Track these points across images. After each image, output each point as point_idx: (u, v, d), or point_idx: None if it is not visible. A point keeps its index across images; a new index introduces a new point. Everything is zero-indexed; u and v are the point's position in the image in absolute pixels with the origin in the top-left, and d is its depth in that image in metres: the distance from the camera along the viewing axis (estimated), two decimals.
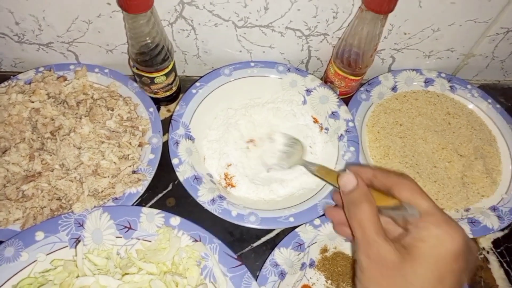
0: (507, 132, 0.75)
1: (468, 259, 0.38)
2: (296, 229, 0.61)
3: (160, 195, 0.66)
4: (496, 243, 0.67)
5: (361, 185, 0.44)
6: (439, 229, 0.38)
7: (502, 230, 0.68)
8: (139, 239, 0.57)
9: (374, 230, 0.40)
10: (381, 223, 0.41)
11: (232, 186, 0.65)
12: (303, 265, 0.60)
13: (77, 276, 0.50)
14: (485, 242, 0.67)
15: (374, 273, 0.40)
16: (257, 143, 0.70)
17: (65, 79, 0.69)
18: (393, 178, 0.44)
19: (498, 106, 0.78)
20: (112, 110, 0.66)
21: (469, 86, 0.80)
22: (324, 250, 0.62)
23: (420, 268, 0.38)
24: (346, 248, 0.62)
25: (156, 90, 0.69)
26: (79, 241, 0.54)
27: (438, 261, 0.37)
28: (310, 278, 0.60)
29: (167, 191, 0.66)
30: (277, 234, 0.64)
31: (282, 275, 0.57)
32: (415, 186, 0.42)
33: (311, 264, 0.61)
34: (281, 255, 0.58)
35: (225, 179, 0.66)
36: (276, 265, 0.58)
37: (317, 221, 0.61)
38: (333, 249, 0.62)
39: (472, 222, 0.64)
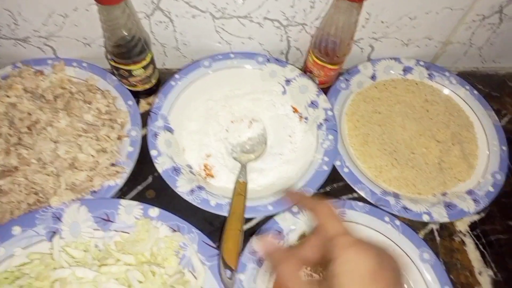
0: (484, 118, 0.76)
1: (386, 275, 0.37)
2: (275, 217, 0.61)
3: (139, 188, 0.66)
4: (472, 226, 0.68)
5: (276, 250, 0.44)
6: (349, 252, 0.38)
7: (478, 213, 0.69)
8: (117, 231, 0.57)
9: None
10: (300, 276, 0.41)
11: (212, 176, 0.66)
12: None
13: (54, 269, 0.50)
14: (462, 226, 0.68)
15: None
16: (236, 123, 0.71)
17: (42, 74, 0.68)
18: (312, 203, 0.45)
19: (475, 92, 0.79)
20: (90, 103, 0.65)
21: (447, 74, 0.81)
22: (303, 236, 0.62)
23: None
24: None
25: (134, 83, 0.69)
26: (55, 235, 0.54)
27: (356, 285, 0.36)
28: None
29: (147, 184, 0.66)
30: (257, 223, 0.65)
31: (261, 262, 0.58)
32: (329, 210, 0.43)
33: None
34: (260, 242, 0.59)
35: (204, 170, 0.66)
36: (255, 253, 0.58)
37: (295, 209, 0.62)
38: None
39: (449, 206, 0.65)
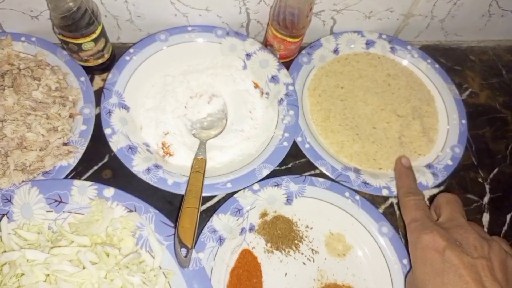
0: (445, 91, 0.76)
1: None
2: (235, 195, 0.60)
3: (95, 168, 0.64)
4: (431, 199, 0.69)
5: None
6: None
7: (438, 186, 0.70)
8: (71, 212, 0.55)
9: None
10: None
11: (170, 154, 0.64)
12: (242, 230, 0.60)
13: (4, 252, 0.49)
14: None
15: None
16: (195, 98, 0.69)
17: None
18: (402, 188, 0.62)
19: (437, 66, 0.79)
20: (39, 80, 0.62)
21: (409, 47, 0.80)
22: (264, 214, 0.62)
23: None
24: (286, 211, 0.63)
25: (86, 58, 0.65)
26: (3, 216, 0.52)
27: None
28: (250, 242, 0.60)
29: (103, 163, 0.64)
30: (218, 201, 0.64)
31: (220, 240, 0.57)
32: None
33: (251, 229, 0.61)
34: (220, 221, 0.58)
35: (162, 148, 0.65)
36: (215, 231, 0.57)
37: (256, 186, 0.61)
38: (273, 212, 0.62)
39: None
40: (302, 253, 0.60)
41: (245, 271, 0.58)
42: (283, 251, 0.60)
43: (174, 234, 0.53)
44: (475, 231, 0.52)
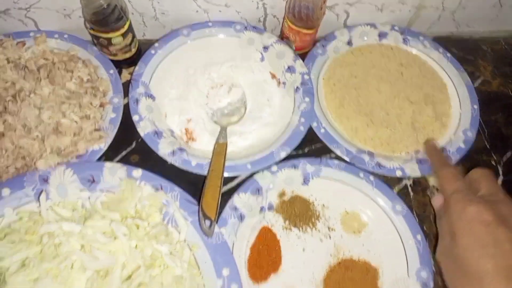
0: (457, 79, 0.79)
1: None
2: (254, 176, 0.64)
3: (124, 153, 0.68)
4: None
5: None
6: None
7: None
8: (102, 191, 0.60)
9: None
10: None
11: (193, 140, 0.68)
12: (262, 208, 0.63)
13: (42, 224, 0.53)
14: (435, 181, 0.71)
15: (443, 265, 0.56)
16: (216, 88, 0.73)
17: (24, 44, 0.70)
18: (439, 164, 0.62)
19: (448, 55, 0.82)
20: (72, 72, 0.67)
21: (421, 38, 0.83)
22: (282, 194, 0.65)
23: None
24: (303, 192, 0.66)
25: (114, 52, 0.70)
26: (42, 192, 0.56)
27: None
28: (269, 220, 0.63)
29: (131, 149, 0.69)
30: (238, 184, 0.67)
31: (241, 217, 0.61)
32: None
33: (270, 208, 0.64)
34: (240, 199, 0.62)
35: (186, 134, 0.69)
36: (236, 208, 0.61)
37: (274, 168, 0.65)
38: (291, 193, 0.65)
39: (420, 161, 0.68)
40: (319, 231, 0.63)
41: (264, 246, 0.61)
42: (300, 229, 0.63)
43: (198, 208, 0.57)
44: None
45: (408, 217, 0.63)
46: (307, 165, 0.66)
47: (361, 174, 0.66)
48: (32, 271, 0.49)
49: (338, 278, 0.60)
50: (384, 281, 0.61)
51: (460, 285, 0.51)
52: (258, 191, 0.63)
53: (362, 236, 0.64)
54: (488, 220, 0.50)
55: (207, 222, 0.54)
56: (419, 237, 0.62)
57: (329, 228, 0.64)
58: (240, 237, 0.60)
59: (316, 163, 0.66)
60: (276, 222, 0.63)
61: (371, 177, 0.66)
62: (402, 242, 0.62)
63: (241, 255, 0.60)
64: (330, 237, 0.63)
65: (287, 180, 0.65)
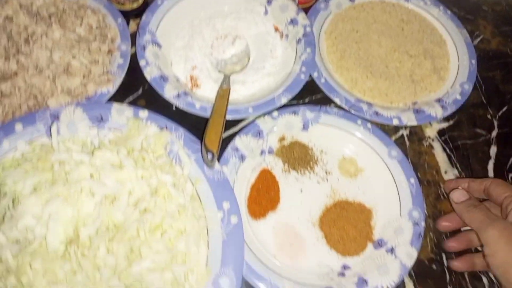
0: (456, 35, 0.81)
1: None
2: (256, 120, 0.66)
3: (131, 98, 0.71)
4: (441, 132, 0.73)
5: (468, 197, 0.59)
6: None
7: (447, 121, 0.74)
8: (111, 129, 0.63)
9: (490, 217, 0.54)
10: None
11: (198, 86, 0.71)
12: (262, 151, 0.66)
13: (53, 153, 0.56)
14: (431, 132, 0.73)
15: (504, 246, 0.50)
16: (220, 39, 0.75)
17: None
18: (487, 181, 0.60)
19: (449, 12, 0.83)
20: (82, 19, 0.70)
21: None
22: (282, 138, 0.68)
23: None
24: (302, 137, 0.68)
25: (122, 1, 0.73)
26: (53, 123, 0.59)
27: None
28: (269, 163, 0.66)
29: (138, 95, 0.71)
30: (240, 129, 0.70)
31: (242, 158, 0.64)
32: (504, 182, 0.59)
33: (270, 151, 0.67)
34: (242, 141, 0.64)
35: (190, 81, 0.71)
36: (237, 149, 0.64)
37: (275, 113, 0.67)
38: (290, 138, 0.68)
39: (417, 111, 0.71)
40: (317, 174, 0.66)
41: (264, 186, 0.64)
42: (299, 171, 0.66)
43: (201, 142, 0.59)
44: None
45: (403, 162, 0.66)
46: (307, 112, 0.68)
47: (359, 121, 0.68)
48: (43, 193, 0.52)
49: (333, 217, 0.62)
50: (377, 220, 0.64)
51: None
52: (259, 134, 0.66)
53: (358, 179, 0.67)
54: None
55: (209, 155, 0.57)
56: (412, 180, 0.64)
57: (326, 172, 0.67)
58: (240, 176, 0.63)
59: (316, 110, 0.68)
60: (275, 165, 0.66)
61: (369, 125, 0.68)
62: (396, 185, 0.65)
63: (241, 193, 0.63)
64: (327, 180, 0.66)
65: (287, 125, 0.67)
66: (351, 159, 0.68)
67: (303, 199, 0.64)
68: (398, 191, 0.64)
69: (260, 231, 0.61)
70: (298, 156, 0.67)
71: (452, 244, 0.61)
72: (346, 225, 0.62)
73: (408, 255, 0.58)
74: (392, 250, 0.59)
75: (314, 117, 0.68)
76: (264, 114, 0.67)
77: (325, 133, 0.68)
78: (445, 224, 0.63)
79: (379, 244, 0.61)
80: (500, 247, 0.50)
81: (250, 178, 0.64)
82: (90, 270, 0.51)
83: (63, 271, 0.51)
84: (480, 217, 0.55)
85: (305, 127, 0.68)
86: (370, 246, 0.61)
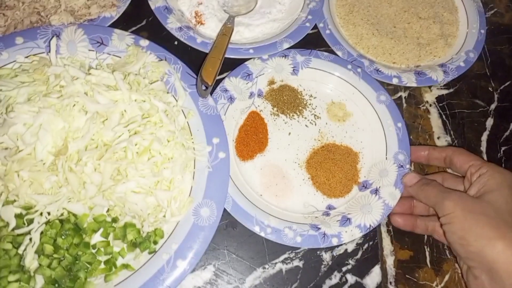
0: (469, 3, 0.79)
1: None
2: (245, 62, 0.66)
3: (133, 28, 0.71)
4: (439, 98, 0.73)
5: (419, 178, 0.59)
6: (497, 170, 0.53)
7: (448, 88, 0.74)
8: (109, 54, 0.62)
9: (444, 190, 0.54)
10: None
11: (202, 23, 0.70)
12: (251, 94, 0.66)
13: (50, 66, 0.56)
14: (430, 97, 0.73)
15: (461, 214, 0.51)
16: None
17: None
18: (449, 150, 0.60)
19: None
20: None
21: None
22: (272, 82, 0.67)
23: (500, 196, 0.51)
24: (292, 81, 0.68)
25: None
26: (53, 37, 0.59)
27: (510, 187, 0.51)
28: (258, 105, 0.66)
29: (141, 25, 0.71)
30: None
31: (231, 99, 0.64)
32: (466, 151, 0.58)
33: (259, 94, 0.67)
34: (231, 82, 0.64)
35: (195, 17, 0.71)
36: (226, 90, 0.63)
37: (265, 56, 0.67)
38: (280, 81, 0.68)
39: (419, 73, 0.70)
40: (305, 118, 0.67)
41: (252, 127, 0.64)
42: (288, 115, 0.66)
43: (197, 74, 0.60)
44: None
45: (391, 106, 0.66)
46: (297, 55, 0.68)
47: (349, 66, 0.68)
48: (37, 104, 0.52)
49: (320, 159, 0.63)
50: (364, 164, 0.65)
51: None
52: (248, 76, 0.65)
53: (346, 124, 0.67)
54: None
55: (203, 86, 0.57)
56: (399, 124, 0.65)
57: (315, 116, 0.67)
58: (229, 117, 0.63)
59: (306, 53, 0.68)
60: (264, 108, 0.66)
61: (358, 69, 0.68)
62: (384, 129, 0.65)
63: (230, 134, 0.63)
64: (315, 124, 0.67)
65: (277, 68, 0.67)
66: (340, 103, 0.68)
67: (290, 141, 0.65)
68: (385, 135, 0.65)
69: (247, 171, 0.62)
70: (287, 100, 0.67)
71: (398, 219, 0.60)
72: (332, 168, 0.63)
73: (392, 195, 0.60)
74: (376, 191, 0.61)
75: (305, 60, 0.68)
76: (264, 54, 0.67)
77: (315, 77, 0.68)
78: (398, 220, 0.60)
79: (364, 186, 0.63)
80: (456, 215, 0.51)
81: (239, 120, 0.65)
82: (75, 185, 0.52)
83: (49, 183, 0.52)
84: (434, 192, 0.55)
85: (295, 71, 0.68)
86: (355, 188, 0.63)
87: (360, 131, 0.66)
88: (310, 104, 0.67)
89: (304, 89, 0.68)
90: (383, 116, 0.65)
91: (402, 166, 0.61)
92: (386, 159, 0.63)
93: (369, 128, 0.66)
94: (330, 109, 0.68)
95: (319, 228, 0.57)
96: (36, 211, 0.51)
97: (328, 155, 0.63)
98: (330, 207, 0.61)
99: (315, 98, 0.68)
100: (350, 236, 0.57)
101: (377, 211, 0.58)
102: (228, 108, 0.63)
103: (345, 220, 0.58)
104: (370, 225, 0.57)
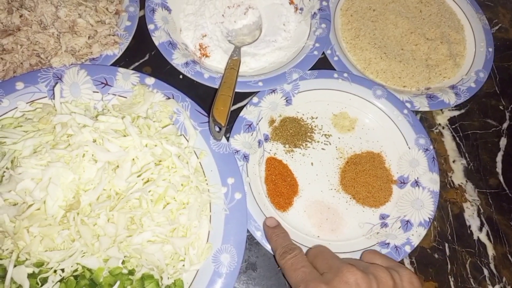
0: (475, 21, 0.78)
1: None
2: (241, 113, 0.63)
3: (137, 64, 0.68)
4: (452, 120, 0.72)
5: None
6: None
7: (459, 109, 0.72)
8: (115, 94, 0.60)
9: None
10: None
11: (207, 56, 0.68)
12: (259, 142, 0.64)
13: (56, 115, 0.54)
14: (442, 119, 0.72)
15: None
16: (232, 8, 0.72)
17: None
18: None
19: None
20: None
21: None
22: (272, 121, 0.66)
23: None
24: (289, 112, 0.67)
25: None
26: (57, 83, 0.57)
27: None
28: (270, 150, 0.64)
29: (144, 60, 0.69)
30: (244, 105, 0.68)
31: (245, 158, 0.61)
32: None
33: (266, 139, 0.65)
34: (237, 141, 0.61)
35: (199, 49, 0.69)
36: (237, 151, 0.61)
37: (255, 99, 0.64)
38: (279, 117, 0.66)
39: (430, 97, 0.69)
40: (318, 141, 0.65)
41: (277, 175, 0.62)
42: (301, 146, 0.65)
43: (209, 115, 0.57)
44: (354, 268, 0.48)
45: (390, 97, 0.66)
46: (284, 86, 0.66)
47: (335, 75, 0.67)
48: (44, 156, 0.50)
49: (351, 175, 0.63)
50: (391, 160, 0.65)
51: None
52: (249, 127, 0.63)
53: (356, 131, 0.67)
54: None
55: (217, 128, 0.55)
56: (405, 111, 0.65)
57: (325, 136, 0.66)
58: (252, 176, 0.61)
59: (291, 80, 0.66)
60: (277, 150, 0.64)
61: (345, 74, 0.67)
62: (393, 121, 0.66)
63: (260, 192, 0.61)
64: (330, 143, 0.66)
65: (271, 106, 0.65)
66: (342, 113, 0.68)
67: (317, 171, 0.64)
68: (397, 126, 0.65)
69: (294, 219, 0.60)
70: (293, 132, 0.65)
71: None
72: (366, 178, 0.63)
73: (432, 181, 0.61)
74: (416, 183, 0.62)
75: (293, 87, 0.66)
76: (245, 104, 0.64)
77: (308, 99, 0.67)
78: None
79: (401, 182, 0.63)
80: None
81: (261, 174, 0.62)
82: (89, 238, 0.49)
83: (61, 238, 0.49)
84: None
85: (288, 101, 0.66)
86: (395, 188, 0.63)
87: (372, 131, 0.67)
88: (315, 126, 0.66)
89: (303, 114, 0.67)
90: (386, 109, 0.66)
91: (427, 149, 0.63)
92: (409, 148, 0.64)
93: (379, 125, 0.67)
94: (335, 122, 0.67)
95: (388, 244, 0.57)
96: (50, 268, 0.48)
97: (357, 168, 0.63)
98: (383, 217, 0.61)
99: (317, 118, 0.67)
100: (418, 237, 0.58)
101: (428, 202, 0.60)
102: (247, 168, 0.61)
103: (406, 224, 0.59)
104: (429, 218, 0.59)
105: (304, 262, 0.51)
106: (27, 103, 0.57)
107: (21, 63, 0.60)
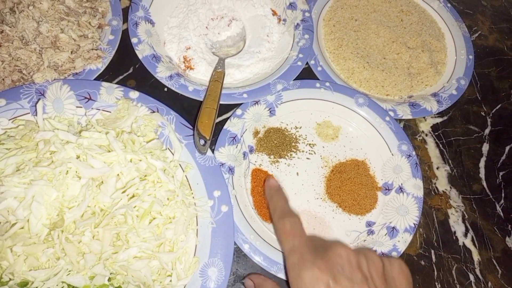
0: (455, 29, 0.80)
1: None
2: (225, 126, 0.63)
3: (120, 77, 0.68)
4: (434, 127, 0.73)
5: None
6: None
7: (441, 116, 0.73)
8: (99, 109, 0.60)
9: None
10: None
11: (191, 68, 0.68)
12: (244, 154, 0.64)
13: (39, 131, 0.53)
14: (425, 127, 0.72)
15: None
16: (216, 20, 0.73)
17: None
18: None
19: (449, 5, 0.82)
20: None
21: None
22: (256, 133, 0.66)
23: None
24: (273, 123, 0.67)
25: None
26: (39, 100, 0.56)
27: None
28: (255, 161, 0.64)
29: (128, 74, 0.69)
30: (228, 117, 0.68)
31: (230, 170, 0.61)
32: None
33: (251, 150, 0.65)
34: (222, 154, 0.61)
35: (184, 62, 0.69)
36: (222, 164, 0.61)
37: (238, 111, 0.64)
38: (263, 128, 0.66)
39: (413, 105, 0.70)
40: (303, 151, 0.66)
41: (263, 186, 0.61)
42: (286, 157, 0.65)
43: (194, 128, 0.57)
44: (347, 246, 0.47)
45: (372, 105, 0.67)
46: (267, 96, 0.66)
47: (318, 84, 0.68)
48: (27, 174, 0.49)
49: (337, 184, 0.63)
50: (375, 168, 0.66)
51: None
52: (234, 139, 0.63)
53: (340, 139, 0.68)
54: (326, 284, 0.44)
55: (202, 141, 0.55)
56: (387, 118, 0.66)
57: (310, 145, 0.67)
58: (238, 188, 0.61)
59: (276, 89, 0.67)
60: (262, 161, 0.64)
61: (327, 83, 0.68)
62: (376, 128, 0.67)
63: (247, 204, 0.60)
64: (314, 153, 0.66)
65: (255, 117, 0.65)
66: (325, 122, 0.68)
67: (302, 181, 0.64)
68: (380, 133, 0.66)
69: None
70: (278, 142, 0.65)
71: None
72: (351, 186, 0.63)
73: (416, 186, 0.62)
74: (401, 189, 0.63)
75: (276, 98, 0.67)
76: (229, 116, 0.64)
77: (292, 108, 0.68)
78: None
79: (386, 188, 0.64)
80: None
81: (247, 185, 0.62)
82: (74, 256, 0.49)
83: (45, 256, 0.49)
84: None
85: (271, 112, 0.66)
86: (380, 195, 0.64)
87: (356, 139, 0.68)
88: (300, 136, 0.67)
89: (287, 125, 0.68)
90: (369, 116, 0.67)
91: (410, 155, 0.64)
92: (393, 155, 0.65)
93: (362, 133, 0.68)
94: (319, 131, 0.68)
95: (375, 251, 0.56)
96: None
97: (342, 176, 0.63)
98: (370, 224, 0.62)
99: (301, 128, 0.68)
100: (404, 243, 0.59)
101: (413, 208, 0.61)
102: (233, 181, 0.61)
103: (392, 230, 0.60)
104: (414, 224, 0.60)
105: (302, 231, 0.51)
106: (9, 120, 0.56)
107: (3, 79, 0.59)
